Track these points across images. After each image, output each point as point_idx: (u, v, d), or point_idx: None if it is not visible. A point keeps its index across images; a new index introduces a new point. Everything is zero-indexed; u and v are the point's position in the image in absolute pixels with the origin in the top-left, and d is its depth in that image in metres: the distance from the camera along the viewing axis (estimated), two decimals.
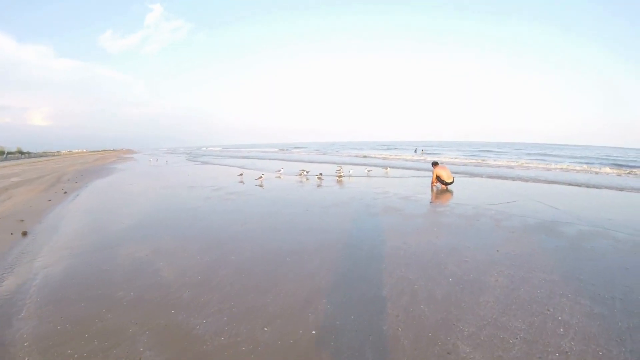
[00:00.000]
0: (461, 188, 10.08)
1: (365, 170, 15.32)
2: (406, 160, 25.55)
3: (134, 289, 3.54)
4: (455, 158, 27.82)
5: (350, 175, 13.37)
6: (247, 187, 10.64)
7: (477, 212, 6.71)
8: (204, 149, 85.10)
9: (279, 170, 14.77)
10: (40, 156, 66.60)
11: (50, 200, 8.88)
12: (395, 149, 55.65)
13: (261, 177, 12.46)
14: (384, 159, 27.93)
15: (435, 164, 10.66)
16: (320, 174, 12.81)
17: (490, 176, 13.31)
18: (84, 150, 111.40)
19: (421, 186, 10.57)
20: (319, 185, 10.99)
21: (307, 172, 13.67)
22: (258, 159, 29.91)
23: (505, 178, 12.68)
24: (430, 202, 7.97)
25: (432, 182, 10.32)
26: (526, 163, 21.63)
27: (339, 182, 11.81)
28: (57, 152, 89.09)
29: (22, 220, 6.70)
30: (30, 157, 61.16)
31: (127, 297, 3.35)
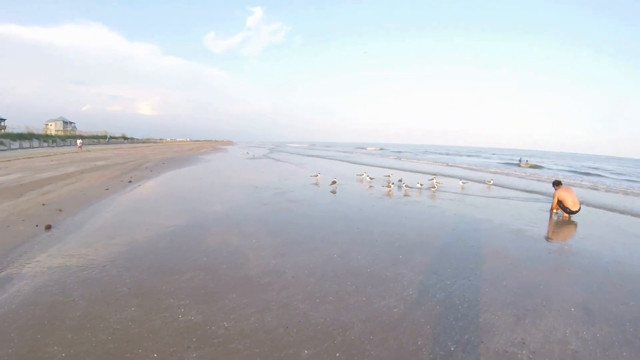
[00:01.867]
0: (588, 221, 7.31)
1: (460, 183, 12.50)
2: (507, 174, 20.16)
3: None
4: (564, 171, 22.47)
5: (435, 188, 10.81)
6: (315, 193, 9.24)
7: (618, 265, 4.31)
8: (291, 145, 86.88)
9: (361, 175, 13.07)
10: (143, 142, 74.14)
11: (107, 189, 8.64)
12: (477, 156, 49.93)
13: (334, 182, 10.91)
14: (471, 168, 23.98)
15: (557, 183, 8.20)
16: (404, 184, 10.84)
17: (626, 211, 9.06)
18: (187, 139, 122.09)
19: (535, 213, 7.93)
20: (405, 195, 9.26)
21: (392, 181, 11.46)
22: (334, 159, 28.43)
23: None
24: (548, 239, 5.69)
25: (552, 209, 7.92)
26: None
27: (432, 194, 9.81)
28: (160, 139, 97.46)
29: (61, 210, 6.25)
30: (132, 142, 68.18)
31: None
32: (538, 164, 32.89)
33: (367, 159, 30.94)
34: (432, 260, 4.36)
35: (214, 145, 57.94)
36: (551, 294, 3.52)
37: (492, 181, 13.31)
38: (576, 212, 7.54)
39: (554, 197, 7.84)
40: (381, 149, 59.11)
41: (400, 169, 19.23)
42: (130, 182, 10.21)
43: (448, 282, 3.70)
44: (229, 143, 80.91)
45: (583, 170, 27.44)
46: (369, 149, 60.26)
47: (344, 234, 5.38)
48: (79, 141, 34.36)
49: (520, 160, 35.03)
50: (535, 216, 7.52)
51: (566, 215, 7.59)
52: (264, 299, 3.18)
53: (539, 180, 16.56)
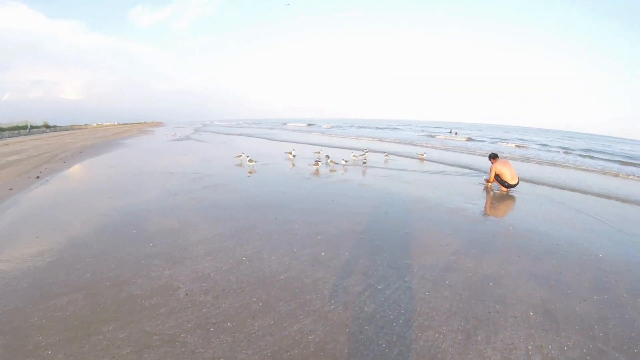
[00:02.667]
0: (525, 196, 7.12)
1: (384, 157, 12.50)
2: (437, 147, 19.99)
3: None
4: (504, 144, 23.55)
5: (365, 163, 10.55)
6: (235, 176, 8.21)
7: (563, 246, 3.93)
8: (219, 123, 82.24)
9: (290, 153, 11.76)
10: (67, 130, 66.86)
11: (11, 189, 7.22)
12: (401, 129, 51.01)
13: (244, 157, 10.26)
14: (398, 142, 23.78)
15: (494, 157, 7.89)
16: (330, 160, 10.28)
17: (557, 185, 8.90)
18: (115, 123, 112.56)
19: (471, 187, 7.66)
20: (332, 171, 8.67)
21: (325, 157, 10.79)
22: (263, 138, 26.82)
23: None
24: (490, 219, 5.23)
25: (488, 182, 7.66)
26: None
27: (363, 170, 9.19)
28: (85, 125, 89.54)
29: None
30: (55, 130, 61.13)
31: None
32: (469, 136, 34.00)
33: (295, 135, 28.84)
34: (360, 255, 3.62)
35: (141, 128, 53.24)
36: (504, 294, 2.93)
37: (424, 154, 13.16)
38: (514, 185, 7.35)
39: (490, 170, 7.55)
40: (309, 125, 57.63)
41: (330, 146, 18.07)
42: (37, 177, 8.76)
43: (380, 287, 2.95)
44: (158, 125, 75.02)
45: (512, 142, 28.20)
46: (290, 125, 58.33)
47: (260, 226, 4.49)
48: None
49: (450, 132, 36.23)
50: (472, 192, 7.25)
51: (504, 189, 7.39)
52: (145, 331, 2.37)
53: (471, 153, 16.70)
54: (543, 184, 8.66)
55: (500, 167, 7.39)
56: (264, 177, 8.13)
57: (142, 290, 2.90)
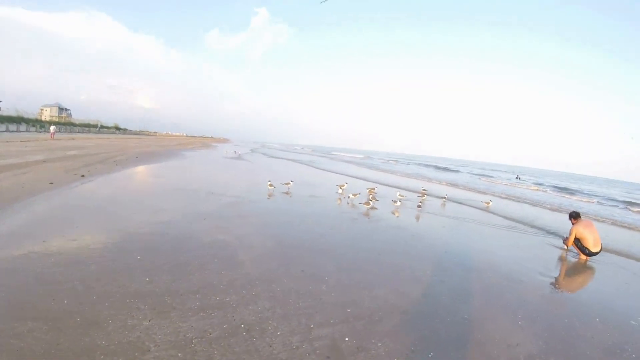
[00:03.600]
0: (608, 267, 5.67)
1: (441, 200, 11.38)
2: (502, 195, 17.31)
3: None
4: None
5: (420, 206, 9.26)
6: (276, 206, 7.61)
7: None
8: (278, 145, 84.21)
9: (341, 187, 10.49)
10: (136, 134, 72.72)
11: (52, 184, 7.53)
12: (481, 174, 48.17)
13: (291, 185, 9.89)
14: (453, 185, 21.57)
15: (575, 216, 6.62)
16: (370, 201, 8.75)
17: None
18: (184, 134, 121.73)
19: (545, 250, 6.36)
20: (368, 211, 7.63)
21: (374, 196, 9.48)
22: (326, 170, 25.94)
23: None
24: (564, 293, 4.17)
25: (567, 245, 6.44)
26: None
27: (418, 213, 8.30)
28: (155, 132, 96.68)
29: None
30: (125, 133, 66.79)
31: None
32: (537, 183, 30.61)
33: (346, 168, 26.55)
34: (397, 352, 2.57)
35: (206, 142, 56.30)
36: None
37: (490, 202, 11.64)
38: (596, 253, 6.08)
39: (570, 233, 6.30)
40: (366, 157, 56.97)
41: (384, 183, 16.24)
42: (83, 176, 9.07)
43: None
44: (224, 141, 79.27)
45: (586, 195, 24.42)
46: (344, 154, 57.60)
47: (280, 280, 3.63)
48: (52, 127, 31.76)
49: (517, 178, 33.32)
50: (547, 257, 6.01)
51: (583, 257, 6.12)
52: None
53: (540, 206, 14.34)
54: (619, 253, 6.89)
55: (582, 230, 6.17)
56: (306, 212, 7.39)
57: (108, 342, 2.28)
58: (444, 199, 11.54)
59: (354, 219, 7.09)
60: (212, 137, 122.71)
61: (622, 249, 7.20)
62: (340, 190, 10.23)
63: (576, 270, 5.48)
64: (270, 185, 9.48)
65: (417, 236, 6.27)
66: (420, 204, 9.44)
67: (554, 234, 7.89)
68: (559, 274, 5.13)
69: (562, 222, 8.93)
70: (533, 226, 8.78)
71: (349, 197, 9.20)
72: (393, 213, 8.17)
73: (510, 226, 8.41)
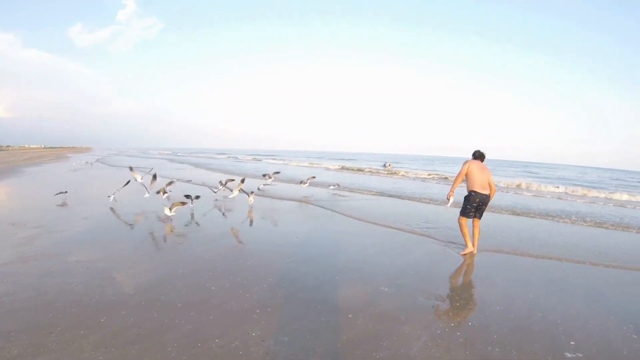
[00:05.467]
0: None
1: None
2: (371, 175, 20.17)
3: None
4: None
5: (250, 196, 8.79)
6: (73, 234, 5.91)
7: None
8: (154, 151, 78.10)
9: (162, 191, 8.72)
10: None
11: None
12: (354, 160, 52.77)
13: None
14: (343, 168, 24.35)
15: (478, 155, 5.61)
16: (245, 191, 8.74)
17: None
18: (42, 146, 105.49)
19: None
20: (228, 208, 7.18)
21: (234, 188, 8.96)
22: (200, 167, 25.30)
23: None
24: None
25: (452, 189, 5.61)
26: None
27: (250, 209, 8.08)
28: (7, 146, 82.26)
29: None
30: None
31: None
32: (401, 167, 34.67)
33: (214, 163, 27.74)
34: None
35: (62, 153, 48.83)
36: None
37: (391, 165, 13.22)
38: (484, 197, 5.32)
39: (461, 170, 5.45)
40: (224, 154, 56.55)
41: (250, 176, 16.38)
42: None
43: None
44: (85, 150, 69.64)
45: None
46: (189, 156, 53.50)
47: None
48: None
49: (384, 165, 36.74)
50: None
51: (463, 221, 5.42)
52: None
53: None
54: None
55: (471, 167, 5.36)
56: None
57: None
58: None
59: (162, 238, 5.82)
60: (72, 147, 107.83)
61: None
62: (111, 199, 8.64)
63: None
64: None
65: (240, 250, 5.34)
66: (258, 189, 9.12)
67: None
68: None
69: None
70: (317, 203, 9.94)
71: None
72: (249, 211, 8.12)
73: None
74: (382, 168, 32.35)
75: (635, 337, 3.14)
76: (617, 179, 36.21)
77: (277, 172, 12.53)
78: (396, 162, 43.25)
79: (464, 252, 5.45)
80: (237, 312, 3.24)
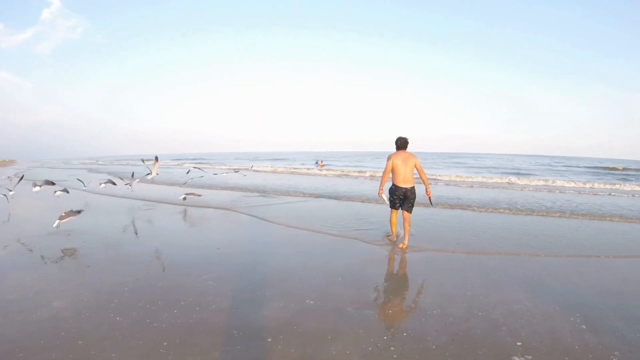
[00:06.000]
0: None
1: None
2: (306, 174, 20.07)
3: None
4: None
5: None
6: None
7: None
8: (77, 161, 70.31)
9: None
10: None
11: None
12: (284, 159, 51.15)
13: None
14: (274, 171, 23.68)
15: (399, 145, 5.44)
16: None
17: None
18: None
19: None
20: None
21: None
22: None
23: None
24: None
25: (381, 186, 5.57)
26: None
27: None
28: None
29: None
30: None
31: None
32: (333, 165, 34.75)
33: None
34: None
35: None
36: None
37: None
38: (405, 191, 5.24)
39: (385, 168, 5.34)
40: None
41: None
42: None
43: None
44: (10, 163, 60.40)
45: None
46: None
47: None
48: None
49: (317, 163, 36.74)
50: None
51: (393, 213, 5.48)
52: None
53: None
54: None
55: (395, 160, 5.22)
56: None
57: None
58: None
59: None
60: None
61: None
62: None
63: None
64: None
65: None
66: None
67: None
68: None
69: None
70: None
71: None
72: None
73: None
74: (315, 166, 32.26)
75: (584, 327, 2.99)
76: (542, 164, 39.81)
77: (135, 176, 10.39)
78: (327, 160, 43.49)
79: (389, 238, 5.69)
80: (141, 347, 2.66)
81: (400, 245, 5.34)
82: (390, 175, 5.38)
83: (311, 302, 3.48)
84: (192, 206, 9.07)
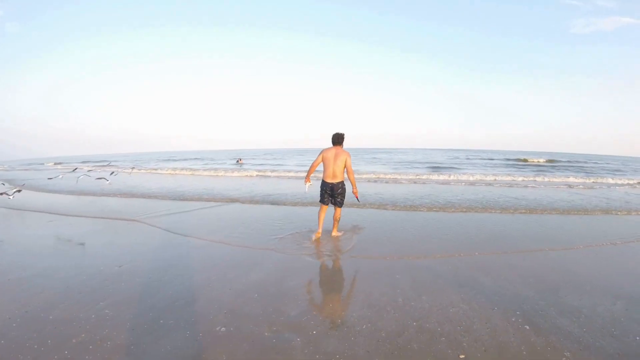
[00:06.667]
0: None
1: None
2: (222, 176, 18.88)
3: None
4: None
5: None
6: None
7: None
8: None
9: None
10: None
11: None
12: (199, 159, 46.18)
13: None
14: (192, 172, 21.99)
15: (335, 140, 5.52)
16: None
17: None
18: None
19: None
20: None
21: None
22: None
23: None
24: None
25: (307, 176, 5.92)
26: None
27: None
28: None
29: None
30: None
31: None
32: (252, 165, 33.40)
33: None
34: None
35: None
36: None
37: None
38: (333, 186, 5.38)
39: (315, 159, 5.53)
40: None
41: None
42: None
43: None
44: None
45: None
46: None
47: None
48: None
49: (237, 161, 36.01)
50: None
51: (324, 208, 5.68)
52: None
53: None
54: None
55: (325, 155, 5.39)
56: None
57: None
58: None
59: None
60: None
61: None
62: None
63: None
64: None
65: None
66: None
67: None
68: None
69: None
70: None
71: None
72: None
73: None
74: (235, 164, 31.74)
75: (527, 327, 2.85)
76: (457, 158, 41.02)
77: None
78: (246, 159, 42.22)
79: (314, 239, 5.55)
80: None
81: (332, 234, 5.67)
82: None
83: (222, 328, 2.95)
84: (94, 218, 7.91)
